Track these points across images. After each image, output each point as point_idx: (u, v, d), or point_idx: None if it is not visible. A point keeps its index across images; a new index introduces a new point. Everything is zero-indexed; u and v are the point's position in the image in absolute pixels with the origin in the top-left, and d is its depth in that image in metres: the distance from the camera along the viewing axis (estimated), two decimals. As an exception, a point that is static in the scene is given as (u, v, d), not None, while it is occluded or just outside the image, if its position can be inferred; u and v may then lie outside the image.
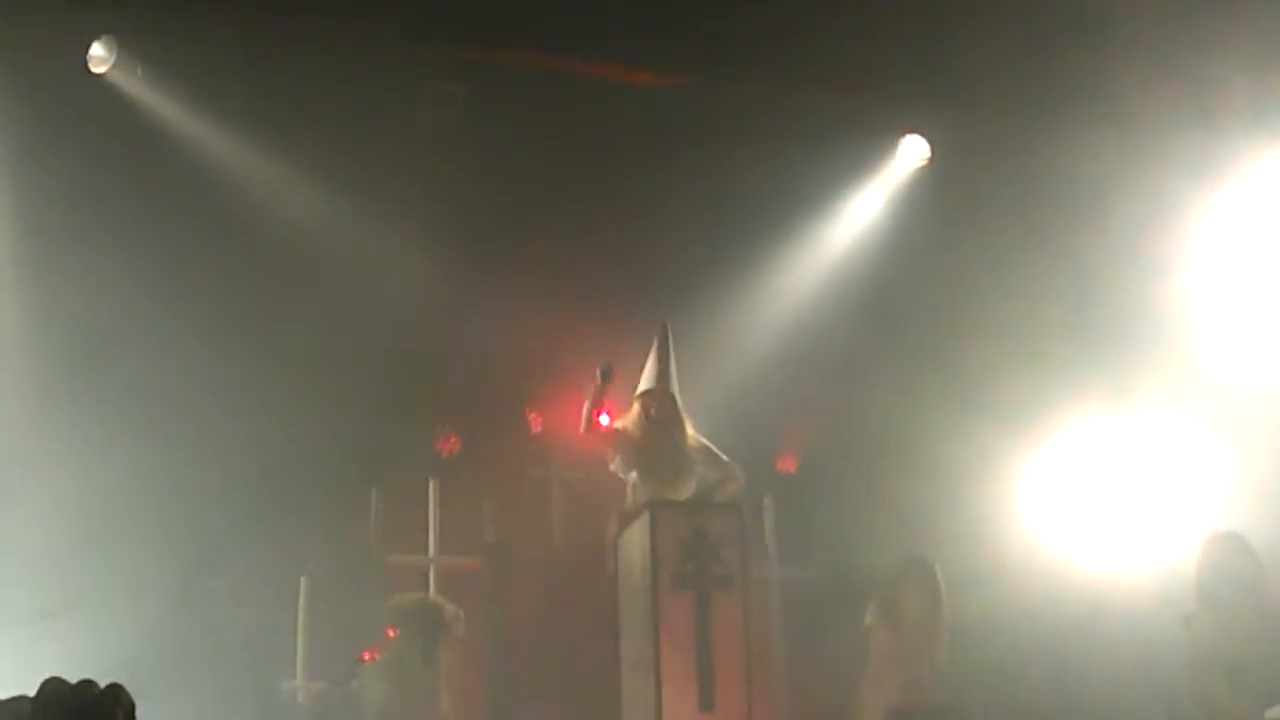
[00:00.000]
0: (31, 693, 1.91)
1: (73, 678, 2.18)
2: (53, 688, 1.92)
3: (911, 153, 10.54)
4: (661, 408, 8.89)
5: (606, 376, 8.87)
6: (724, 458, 8.91)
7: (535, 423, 9.99)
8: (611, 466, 9.00)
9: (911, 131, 10.50)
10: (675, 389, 8.92)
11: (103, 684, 1.98)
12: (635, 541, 8.46)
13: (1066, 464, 9.93)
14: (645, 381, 9.00)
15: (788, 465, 10.33)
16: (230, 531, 8.78)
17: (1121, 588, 9.00)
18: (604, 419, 9.49)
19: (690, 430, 8.89)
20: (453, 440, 9.82)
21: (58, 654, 7.46)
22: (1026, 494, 9.85)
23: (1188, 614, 8.20)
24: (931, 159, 10.50)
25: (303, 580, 8.92)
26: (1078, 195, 9.96)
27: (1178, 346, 9.71)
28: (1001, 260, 10.03)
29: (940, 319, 10.26)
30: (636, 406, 8.98)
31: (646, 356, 9.02)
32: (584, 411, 8.95)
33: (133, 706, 1.94)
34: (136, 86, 9.17)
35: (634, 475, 8.92)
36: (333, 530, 9.28)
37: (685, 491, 8.78)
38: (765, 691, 8.61)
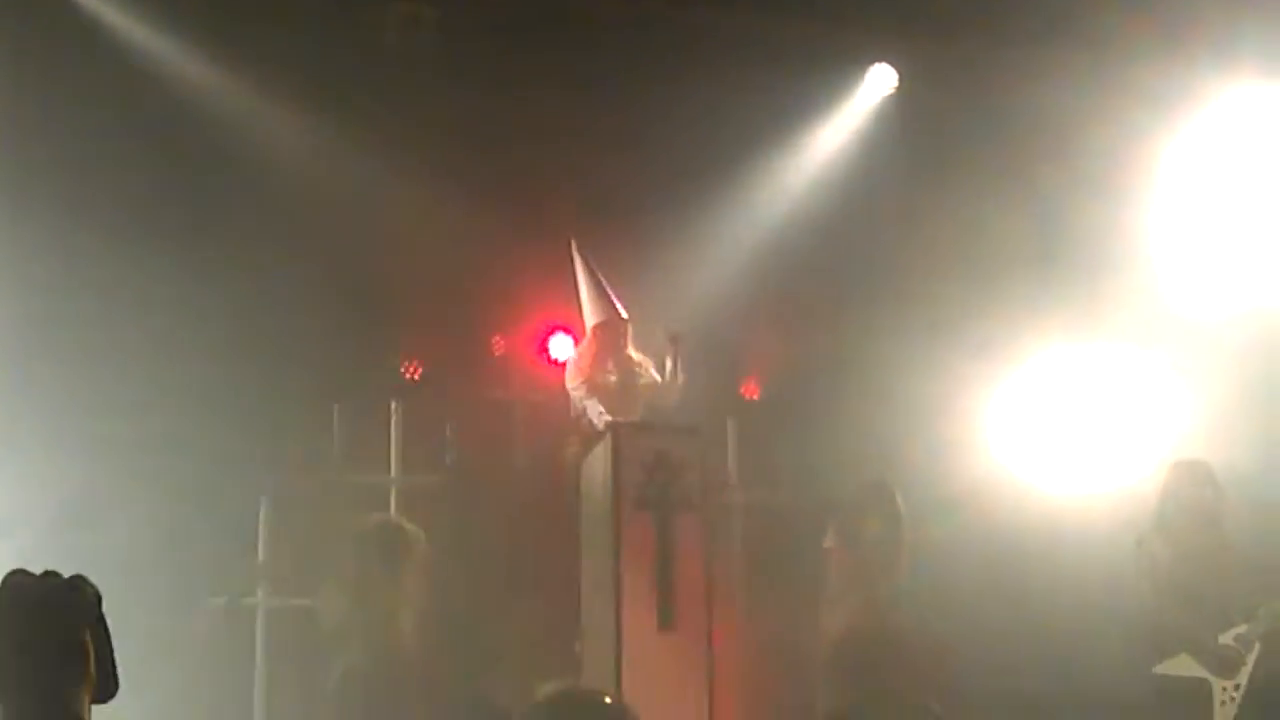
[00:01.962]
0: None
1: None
2: (15, 580, 1.88)
3: (880, 81, 10.50)
4: (616, 336, 8.89)
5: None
6: (661, 378, 8.90)
7: (497, 345, 9.97)
8: (573, 395, 8.98)
9: (880, 60, 10.45)
10: (625, 314, 8.90)
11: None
12: (597, 463, 8.47)
13: (1030, 392, 9.96)
14: (595, 311, 8.98)
15: (751, 390, 10.33)
16: (188, 452, 8.73)
17: (1083, 513, 9.05)
18: (562, 349, 9.51)
19: (636, 354, 8.92)
20: (414, 363, 9.80)
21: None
22: (991, 422, 9.88)
23: (1141, 537, 8.28)
24: (899, 88, 10.47)
25: (262, 500, 8.91)
26: (1046, 125, 9.95)
27: (1143, 276, 9.74)
28: (968, 190, 10.02)
29: (906, 248, 10.25)
30: (591, 338, 8.97)
31: (577, 283, 8.98)
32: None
33: (99, 598, 1.91)
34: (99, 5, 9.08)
35: (588, 402, 8.89)
36: (294, 451, 9.25)
37: (635, 413, 8.79)
38: (725, 613, 8.64)
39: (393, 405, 9.50)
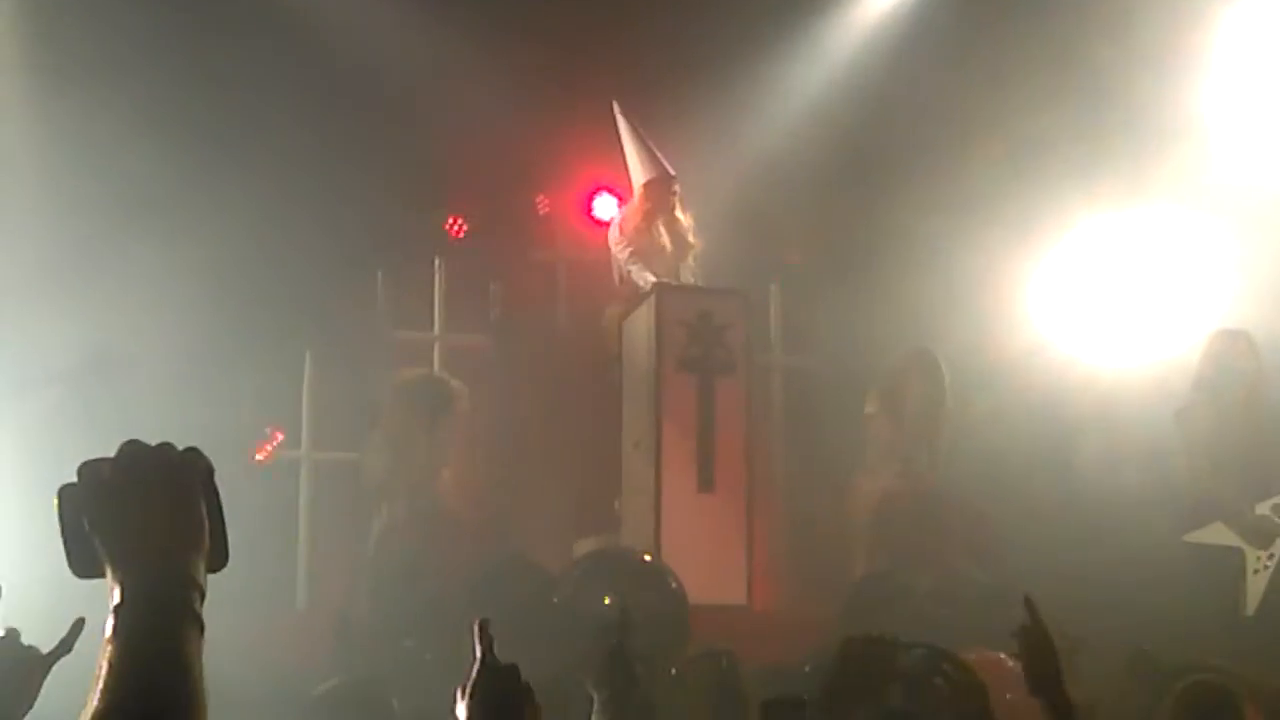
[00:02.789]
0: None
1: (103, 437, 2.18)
2: (132, 450, 1.89)
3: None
4: (665, 195, 8.81)
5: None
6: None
7: (542, 205, 9.94)
8: (619, 256, 8.94)
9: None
10: (672, 171, 8.83)
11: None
12: (640, 324, 8.48)
13: (1074, 263, 9.87)
14: (643, 170, 8.89)
15: (794, 256, 10.28)
16: (234, 307, 8.77)
17: (1127, 383, 9.01)
18: (606, 209, 9.46)
19: (681, 214, 8.86)
20: (459, 220, 9.79)
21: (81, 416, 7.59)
22: (1035, 293, 9.81)
23: (1181, 407, 8.26)
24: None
25: (307, 353, 8.96)
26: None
27: (1194, 149, 9.59)
28: (1017, 59, 9.85)
29: (955, 118, 10.12)
30: (641, 196, 8.88)
31: (622, 145, 8.92)
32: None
33: (212, 470, 1.92)
34: None
35: (633, 263, 8.84)
36: (339, 306, 9.29)
37: (682, 277, 8.77)
38: (764, 475, 8.71)
39: (436, 262, 9.51)
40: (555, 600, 7.07)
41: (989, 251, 9.43)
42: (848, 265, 10.12)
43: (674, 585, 7.16)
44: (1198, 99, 9.62)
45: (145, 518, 1.84)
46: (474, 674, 2.55)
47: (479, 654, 2.56)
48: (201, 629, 1.82)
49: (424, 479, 8.32)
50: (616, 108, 8.94)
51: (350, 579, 8.22)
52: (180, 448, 1.90)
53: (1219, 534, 8.05)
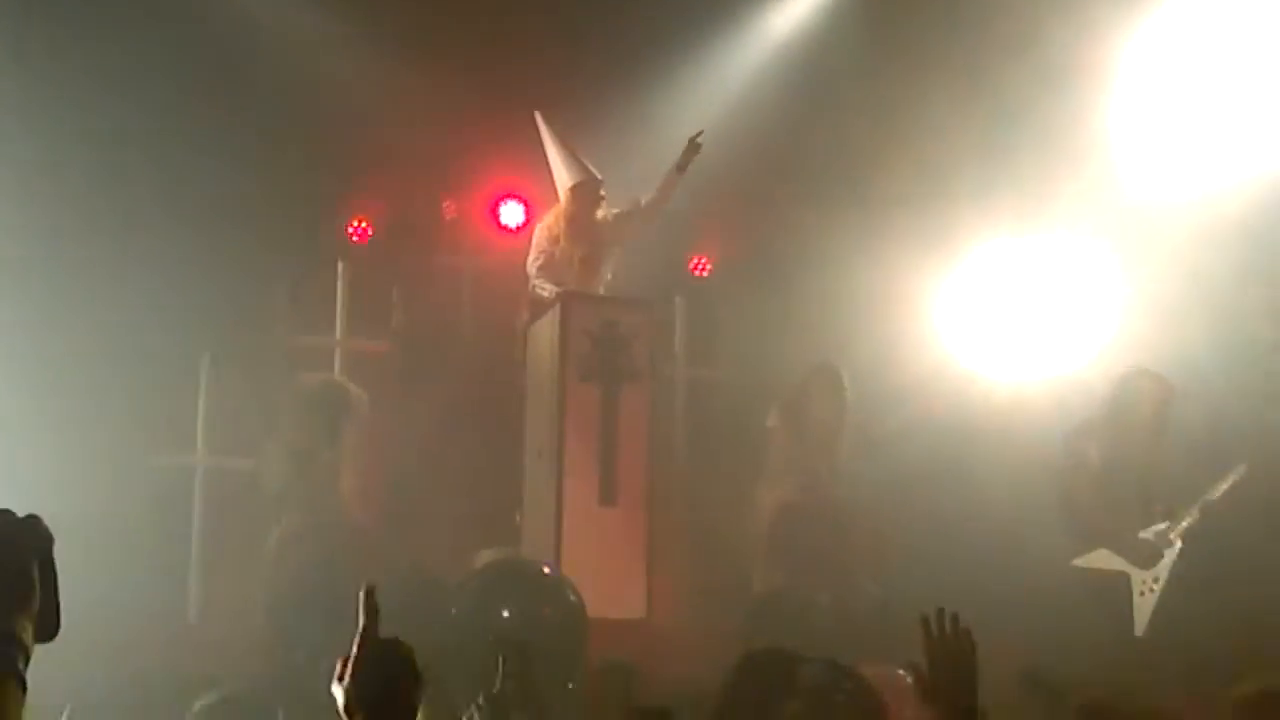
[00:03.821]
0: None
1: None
2: None
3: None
4: (591, 198, 8.72)
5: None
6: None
7: (448, 210, 9.85)
8: (536, 263, 8.82)
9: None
10: (599, 176, 8.76)
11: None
12: (545, 331, 8.42)
13: (978, 281, 9.96)
14: (568, 174, 8.79)
15: (701, 267, 10.28)
16: (137, 309, 8.61)
17: (1027, 401, 9.11)
18: (513, 215, 9.39)
19: (605, 214, 8.78)
20: (363, 225, 9.68)
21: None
22: (939, 313, 9.88)
23: (1069, 435, 8.40)
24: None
25: (204, 359, 8.81)
26: (1002, 15, 9.84)
27: (1097, 170, 9.71)
28: (923, 78, 9.92)
29: (861, 135, 10.16)
30: (568, 198, 8.77)
31: (546, 152, 8.85)
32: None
33: (50, 540, 1.90)
34: None
35: (541, 275, 8.74)
36: (238, 311, 9.15)
37: (600, 284, 8.71)
38: (666, 488, 8.68)
39: (340, 266, 9.39)
40: (453, 612, 6.99)
41: (895, 268, 9.49)
42: (754, 279, 10.15)
43: (573, 598, 7.10)
44: (1102, 119, 9.75)
45: None
46: (355, 648, 2.43)
47: (361, 625, 2.45)
48: (24, 686, 1.81)
49: (323, 487, 8.21)
50: (539, 118, 8.83)
51: (246, 589, 8.07)
52: (20, 514, 1.90)
53: (1105, 559, 8.24)
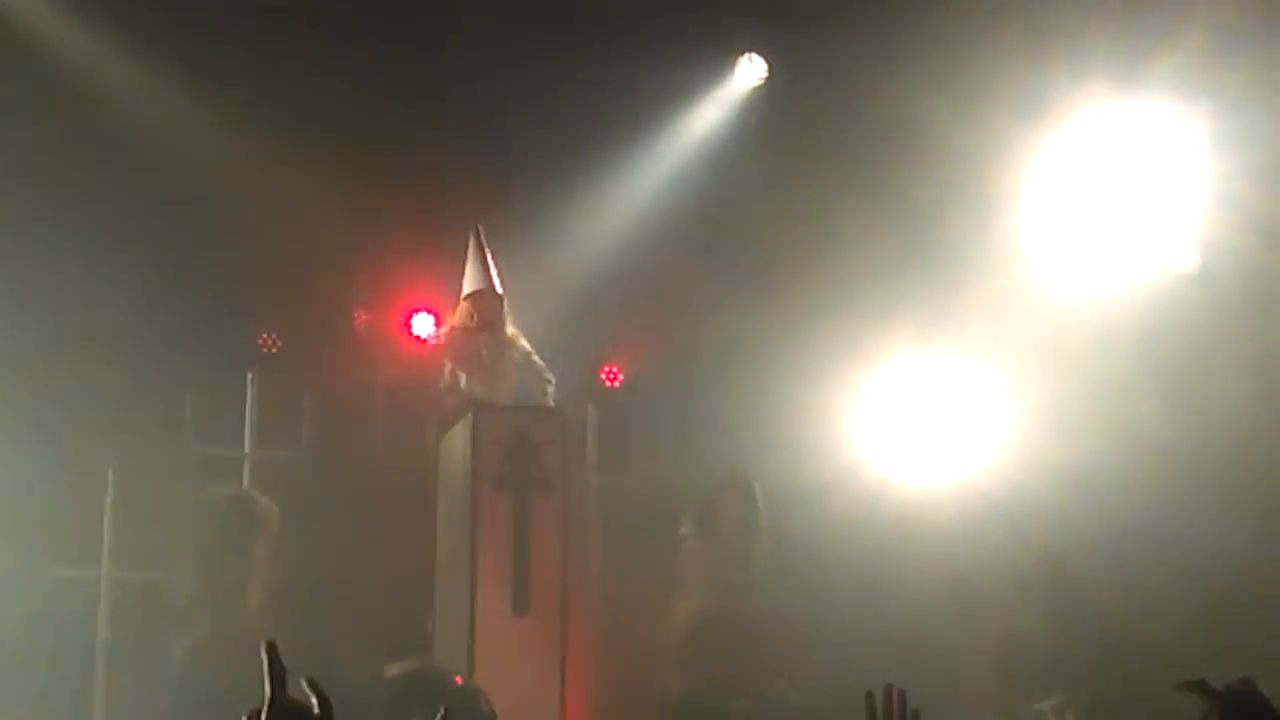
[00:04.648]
0: None
1: None
2: None
3: (750, 71, 10.56)
4: (489, 308, 8.78)
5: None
6: (539, 363, 8.82)
7: (358, 322, 9.84)
8: (444, 373, 8.85)
9: (751, 50, 10.51)
10: (500, 290, 8.81)
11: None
12: (457, 441, 8.41)
13: (885, 392, 10.10)
14: (470, 283, 8.87)
15: (613, 377, 10.32)
16: (35, 418, 8.50)
17: (929, 507, 9.22)
18: (425, 327, 9.41)
19: (512, 331, 8.81)
20: (273, 335, 9.64)
21: None
22: (847, 419, 10.00)
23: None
24: (768, 79, 10.53)
25: (110, 471, 8.69)
26: (910, 128, 10.06)
27: (998, 281, 9.91)
28: (832, 188, 10.11)
29: (769, 243, 10.32)
30: (464, 306, 8.85)
31: (465, 257, 8.91)
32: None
33: None
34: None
35: (455, 377, 8.79)
36: (145, 421, 9.04)
37: (504, 394, 8.72)
38: (580, 597, 8.64)
39: (249, 377, 9.34)
40: (365, 723, 6.91)
41: (804, 376, 9.61)
42: (666, 387, 10.21)
43: (486, 708, 7.04)
44: (1001, 231, 9.96)
45: None
46: (264, 712, 2.33)
47: (268, 687, 2.35)
48: None
49: (230, 599, 8.11)
50: (478, 228, 8.88)
51: (151, 702, 7.93)
52: None
53: None
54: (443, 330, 9.04)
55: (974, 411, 9.85)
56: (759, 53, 10.52)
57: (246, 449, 9.27)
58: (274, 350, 9.65)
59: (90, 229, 8.87)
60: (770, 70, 10.53)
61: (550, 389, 8.64)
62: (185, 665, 7.89)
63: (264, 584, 8.33)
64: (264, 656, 2.39)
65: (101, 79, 9.22)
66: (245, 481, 9.08)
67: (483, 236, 8.80)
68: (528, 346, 8.81)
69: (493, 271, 8.80)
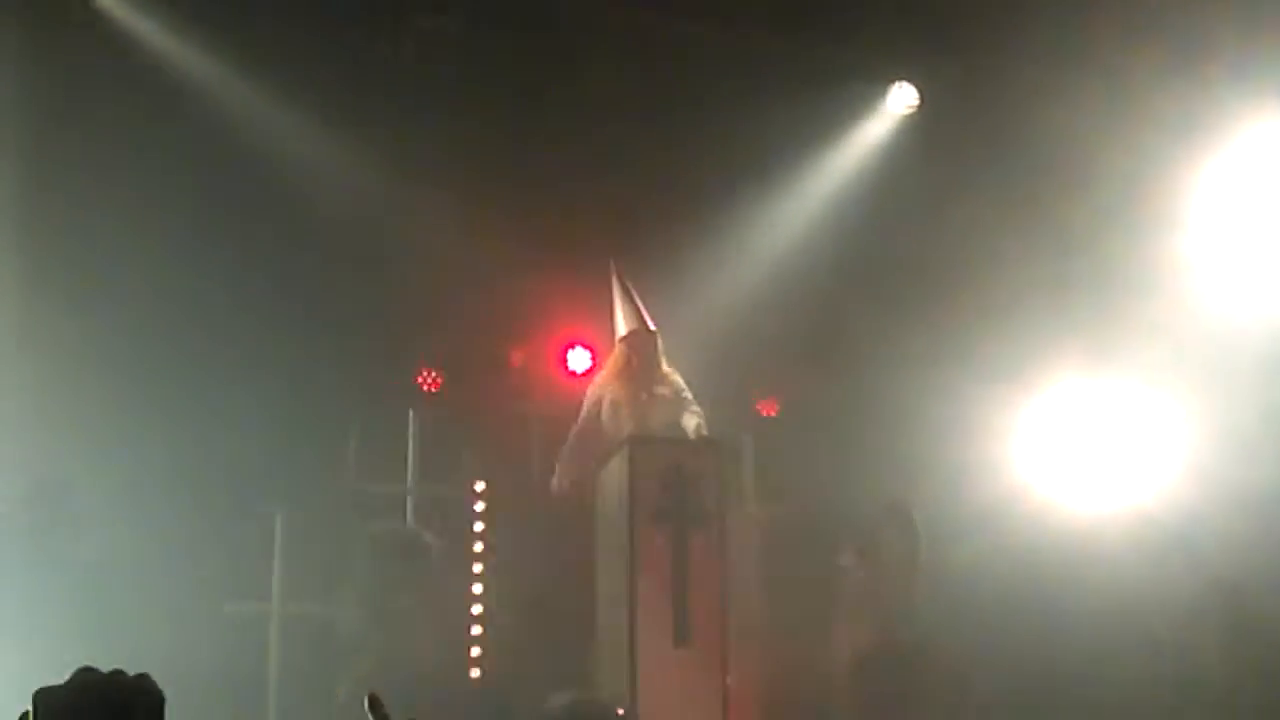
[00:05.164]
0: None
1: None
2: (84, 679, 1.91)
3: (900, 100, 10.52)
4: (645, 348, 8.83)
5: None
6: (689, 396, 8.83)
7: (516, 359, 9.96)
8: (598, 411, 8.93)
9: (902, 78, 10.47)
10: (653, 327, 8.86)
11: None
12: (613, 476, 8.44)
13: (1047, 417, 9.95)
14: (626, 323, 8.94)
15: (769, 408, 10.30)
16: (207, 457, 8.73)
17: (1100, 537, 9.02)
18: (581, 362, 9.49)
19: (666, 367, 8.85)
20: (433, 373, 9.79)
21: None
22: (1009, 446, 9.86)
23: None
24: (920, 106, 10.48)
25: (278, 515, 8.87)
26: (1066, 151, 9.93)
27: (1161, 303, 9.71)
28: (987, 214, 10.01)
29: (925, 270, 10.24)
30: (621, 348, 8.91)
31: (613, 299, 8.99)
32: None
33: (163, 699, 1.93)
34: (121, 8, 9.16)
35: (609, 413, 8.83)
36: (311, 460, 9.23)
37: (659, 429, 8.74)
38: (741, 628, 8.61)
39: (410, 414, 9.48)
40: (529, 754, 6.96)
41: (962, 402, 9.50)
42: (822, 415, 10.17)
43: (648, 739, 7.05)
44: (1162, 256, 9.77)
45: None
46: None
47: None
48: None
49: (399, 634, 8.23)
50: (614, 265, 8.99)
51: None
52: (133, 673, 1.91)
53: None
54: (600, 374, 9.07)
55: (1145, 436, 9.65)
56: (910, 80, 10.47)
57: (409, 484, 9.40)
58: (434, 388, 9.79)
59: (256, 270, 9.09)
60: (922, 97, 10.47)
61: (700, 423, 8.64)
62: (354, 698, 7.99)
63: (431, 617, 8.44)
64: (367, 712, 2.42)
65: (261, 121, 9.44)
66: (409, 517, 9.21)
67: (622, 273, 8.87)
68: (681, 382, 8.84)
69: (642, 308, 8.86)
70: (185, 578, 8.40)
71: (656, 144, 9.97)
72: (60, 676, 1.92)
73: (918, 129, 10.55)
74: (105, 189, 8.71)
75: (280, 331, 9.04)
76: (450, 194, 9.55)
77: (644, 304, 8.87)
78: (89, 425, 8.46)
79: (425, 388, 9.80)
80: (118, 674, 1.92)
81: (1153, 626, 8.28)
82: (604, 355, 9.28)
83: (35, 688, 1.93)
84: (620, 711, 7.53)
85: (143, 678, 1.93)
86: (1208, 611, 8.42)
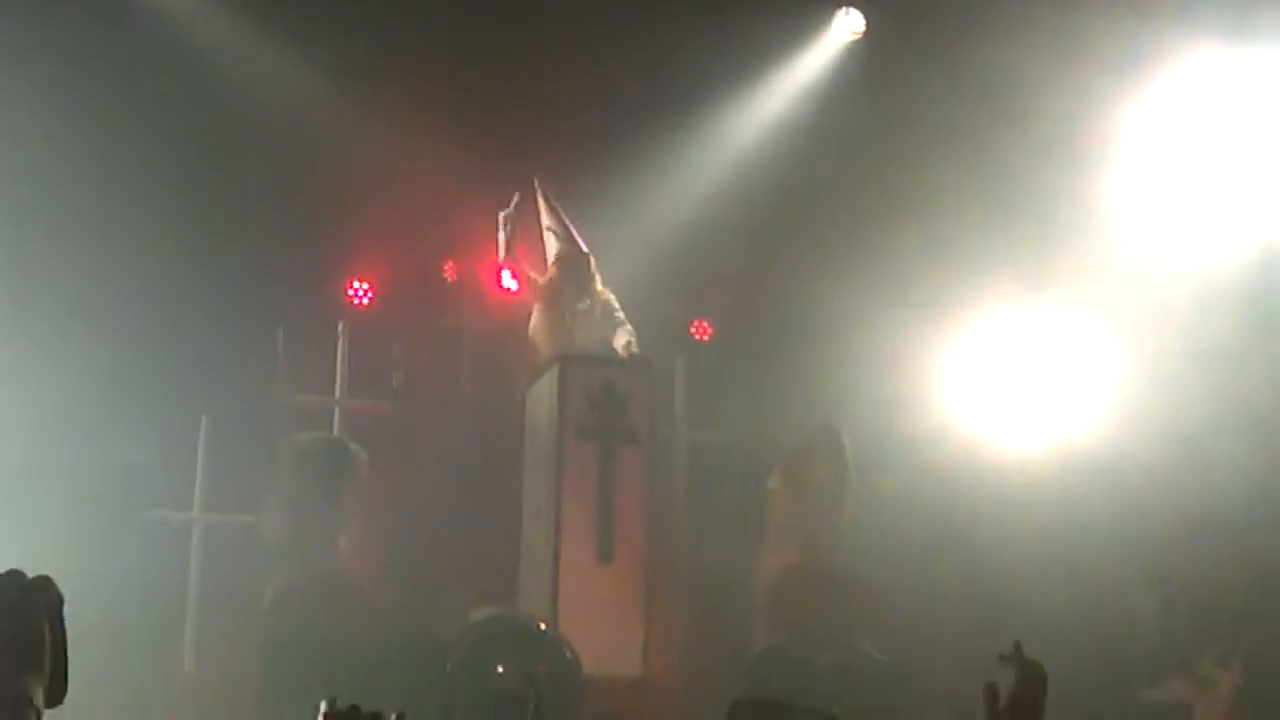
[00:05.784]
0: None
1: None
2: None
3: (847, 25, 10.44)
4: (577, 268, 8.79)
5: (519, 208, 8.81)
6: (620, 315, 8.80)
7: (449, 272, 9.86)
8: (531, 329, 8.90)
9: (848, 4, 10.39)
10: (585, 248, 8.82)
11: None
12: (543, 392, 8.43)
13: (980, 349, 9.98)
14: (556, 242, 8.90)
15: (702, 331, 10.27)
16: (131, 367, 8.61)
17: (1026, 468, 9.09)
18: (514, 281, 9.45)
19: (599, 286, 8.81)
20: (364, 285, 9.69)
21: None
22: (941, 377, 9.89)
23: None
24: (865, 33, 10.40)
25: (203, 418, 8.78)
26: (1008, 86, 9.89)
27: (1094, 240, 9.74)
28: (928, 145, 9.97)
29: (862, 199, 10.20)
30: (552, 269, 8.86)
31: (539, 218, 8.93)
32: (502, 240, 8.87)
33: (61, 601, 1.89)
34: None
35: (541, 329, 8.81)
36: (238, 370, 9.13)
37: (589, 345, 8.71)
38: (664, 547, 8.65)
39: (340, 326, 9.39)
40: (448, 668, 6.96)
41: (897, 333, 9.51)
42: (754, 341, 10.15)
43: (568, 654, 7.07)
44: (1103, 189, 9.78)
45: None
46: None
47: None
48: None
49: (321, 543, 8.20)
50: (537, 183, 8.92)
51: (242, 640, 8.03)
52: (30, 575, 1.88)
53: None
54: (531, 290, 9.01)
55: (1076, 369, 9.70)
56: (856, 6, 10.39)
57: (337, 396, 9.32)
58: (365, 302, 9.69)
59: (190, 180, 8.96)
60: (867, 23, 10.39)
61: (630, 340, 8.62)
62: (275, 607, 7.98)
63: (354, 529, 8.41)
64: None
65: (206, 33, 9.29)
66: (335, 428, 9.14)
67: (546, 192, 8.82)
68: (615, 301, 8.81)
69: (571, 227, 8.81)
70: (107, 483, 8.33)
71: (600, 59, 9.85)
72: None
73: (861, 56, 10.47)
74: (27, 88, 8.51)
75: (214, 235, 8.93)
76: (392, 107, 9.41)
77: (572, 223, 8.82)
78: (17, 320, 8.33)
79: (355, 300, 9.68)
80: (14, 573, 1.88)
81: (1072, 554, 8.36)
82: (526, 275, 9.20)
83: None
84: (542, 626, 7.56)
85: (42, 578, 1.89)
86: (1126, 543, 8.52)
